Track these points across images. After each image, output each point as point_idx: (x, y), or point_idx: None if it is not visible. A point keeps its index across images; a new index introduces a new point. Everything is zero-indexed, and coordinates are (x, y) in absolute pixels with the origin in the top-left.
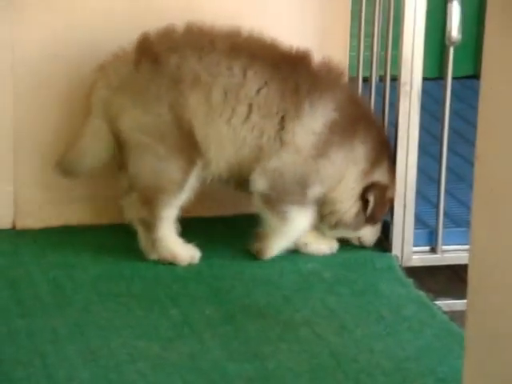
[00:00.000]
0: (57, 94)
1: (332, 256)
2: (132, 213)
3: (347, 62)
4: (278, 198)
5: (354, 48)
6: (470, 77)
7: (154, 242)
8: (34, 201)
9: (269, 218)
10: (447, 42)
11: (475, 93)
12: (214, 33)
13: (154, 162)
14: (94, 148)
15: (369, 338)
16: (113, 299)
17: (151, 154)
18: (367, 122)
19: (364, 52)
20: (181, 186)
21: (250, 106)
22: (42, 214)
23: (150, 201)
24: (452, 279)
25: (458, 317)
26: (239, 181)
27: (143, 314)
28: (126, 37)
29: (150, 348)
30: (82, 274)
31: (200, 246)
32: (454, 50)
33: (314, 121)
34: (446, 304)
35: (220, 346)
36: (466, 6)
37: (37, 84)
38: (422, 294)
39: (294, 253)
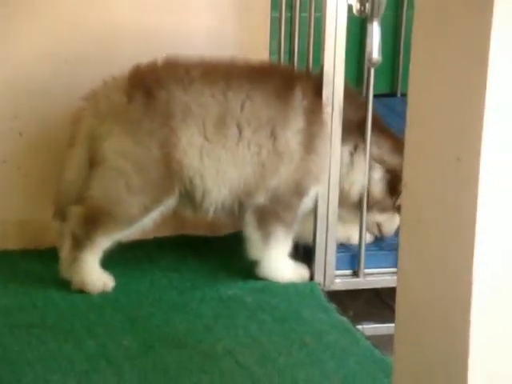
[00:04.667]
0: None
1: (253, 281)
2: (69, 224)
3: None
4: (274, 213)
5: None
6: (386, 95)
7: (74, 261)
8: None
9: (254, 239)
10: (367, 64)
11: (390, 110)
12: (186, 64)
13: (122, 191)
14: (80, 179)
15: (292, 367)
16: (25, 331)
17: (124, 182)
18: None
19: None
20: (132, 222)
21: (239, 125)
22: None
23: (94, 222)
24: (373, 302)
25: (381, 342)
26: (245, 202)
27: (57, 345)
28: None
29: (64, 382)
30: None
31: (116, 271)
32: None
33: (297, 118)
34: (369, 328)
35: (138, 378)
36: (382, 23)
37: None
38: (344, 319)
39: (216, 278)
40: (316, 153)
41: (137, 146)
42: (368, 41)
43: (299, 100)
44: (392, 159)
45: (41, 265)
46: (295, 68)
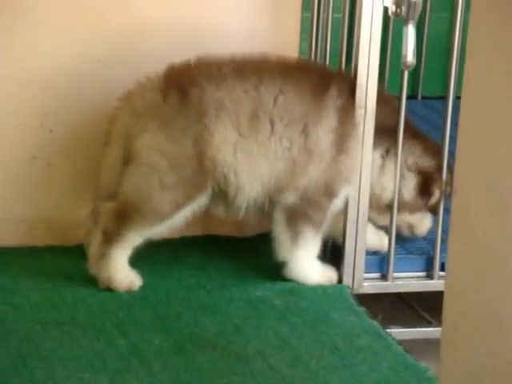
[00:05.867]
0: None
1: (281, 282)
2: (100, 220)
3: None
4: (303, 213)
5: None
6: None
7: (103, 256)
8: None
9: (283, 239)
10: (403, 66)
11: (411, 113)
12: (217, 61)
13: (155, 187)
14: (115, 178)
15: (324, 371)
16: (56, 328)
17: (156, 179)
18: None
19: None
20: (163, 219)
21: (271, 120)
22: None
23: (125, 217)
24: (397, 306)
25: (409, 346)
26: (276, 200)
27: (89, 343)
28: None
29: (97, 381)
30: (22, 300)
31: (144, 269)
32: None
33: (330, 117)
34: (396, 332)
35: (171, 378)
36: (438, 28)
37: None
38: (375, 323)
39: (243, 279)
40: (347, 153)
41: (171, 142)
42: (403, 43)
43: (333, 99)
44: (424, 162)
45: (68, 262)
46: (329, 67)
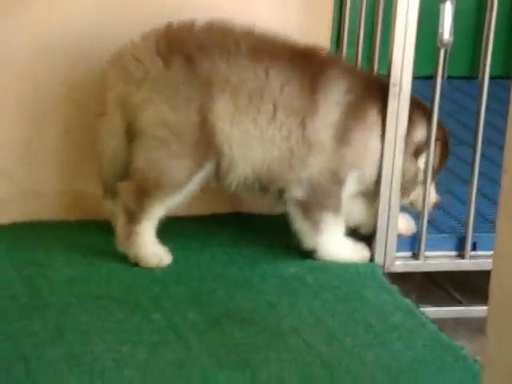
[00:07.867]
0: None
1: (310, 260)
2: (121, 200)
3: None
4: (316, 203)
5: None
6: (467, 77)
7: (129, 235)
8: (0, 195)
9: (305, 230)
10: (439, 44)
11: (465, 94)
12: (235, 32)
13: (165, 158)
14: (119, 149)
15: (360, 348)
16: (91, 302)
17: (165, 150)
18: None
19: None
20: (181, 186)
21: (275, 105)
22: (9, 208)
23: (144, 194)
24: (426, 285)
25: (442, 325)
26: (267, 187)
27: (125, 317)
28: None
29: (135, 354)
30: (57, 273)
31: (176, 245)
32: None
33: (331, 111)
34: (426, 311)
35: (208, 352)
36: (464, 6)
37: None
38: (408, 301)
39: (275, 256)
40: (350, 146)
41: (175, 112)
42: (440, 21)
43: (337, 93)
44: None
45: (100, 237)
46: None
